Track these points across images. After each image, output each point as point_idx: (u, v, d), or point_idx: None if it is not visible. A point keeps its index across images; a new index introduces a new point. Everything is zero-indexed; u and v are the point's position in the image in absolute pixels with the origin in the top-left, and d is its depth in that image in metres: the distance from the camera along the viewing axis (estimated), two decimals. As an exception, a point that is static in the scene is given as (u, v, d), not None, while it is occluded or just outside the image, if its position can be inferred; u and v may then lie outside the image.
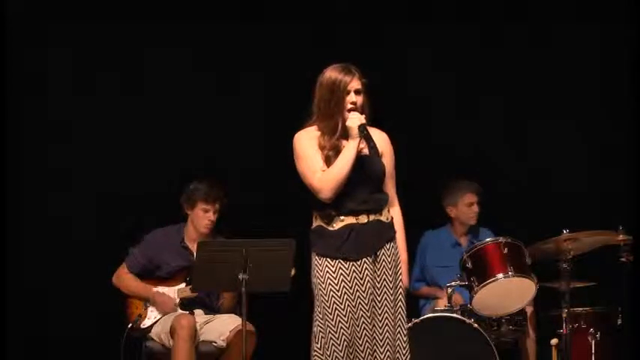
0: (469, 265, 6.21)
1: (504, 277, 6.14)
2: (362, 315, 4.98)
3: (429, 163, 7.10)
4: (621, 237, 6.18)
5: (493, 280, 6.14)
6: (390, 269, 5.03)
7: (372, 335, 5.00)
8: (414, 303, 6.79)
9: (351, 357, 4.97)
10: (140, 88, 7.06)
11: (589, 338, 6.38)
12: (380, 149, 5.05)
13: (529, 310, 6.47)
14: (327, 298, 4.98)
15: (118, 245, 6.43)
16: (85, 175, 6.99)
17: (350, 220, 4.99)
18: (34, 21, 6.92)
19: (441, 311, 6.25)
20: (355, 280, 4.99)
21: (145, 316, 6.23)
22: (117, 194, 6.99)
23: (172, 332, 6.01)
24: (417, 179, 6.51)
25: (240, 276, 5.34)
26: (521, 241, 6.25)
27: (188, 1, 7.12)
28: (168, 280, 6.30)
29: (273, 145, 5.57)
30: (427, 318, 6.13)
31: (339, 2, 7.23)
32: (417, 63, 7.27)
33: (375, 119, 5.09)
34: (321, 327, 4.99)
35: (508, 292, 6.18)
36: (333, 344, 4.97)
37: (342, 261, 5.00)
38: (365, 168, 5.00)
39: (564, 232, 6.13)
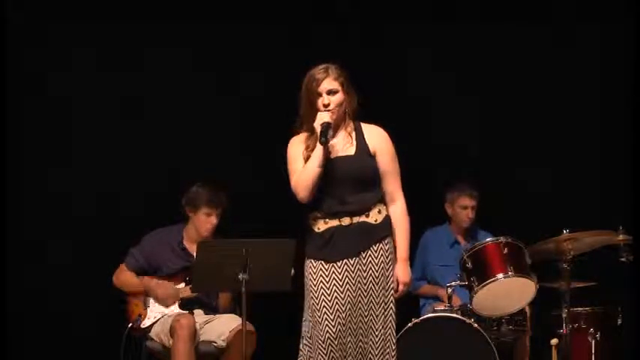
0: (469, 265, 6.21)
1: (504, 277, 6.13)
2: (338, 317, 4.97)
3: (428, 162, 7.10)
4: (621, 237, 6.18)
5: (493, 280, 6.13)
6: (377, 271, 5.03)
7: (356, 340, 4.99)
8: (414, 303, 6.79)
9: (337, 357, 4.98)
10: (140, 88, 7.05)
11: (589, 338, 6.38)
12: (373, 147, 5.08)
13: (529, 310, 6.46)
14: (311, 299, 5.04)
15: (119, 245, 6.43)
16: (85, 175, 6.99)
17: (333, 222, 5.03)
18: (34, 21, 6.92)
19: (441, 311, 6.26)
20: (334, 281, 5.01)
21: (145, 316, 6.23)
22: (118, 194, 6.99)
23: (172, 332, 6.01)
24: (417, 178, 6.50)
25: (240, 276, 5.33)
26: (521, 241, 6.25)
27: (188, 1, 7.12)
28: (168, 280, 6.29)
29: (274, 144, 5.56)
30: (427, 318, 6.13)
31: (339, 2, 7.23)
32: (417, 63, 7.27)
33: (372, 116, 5.10)
34: (308, 328, 5.03)
35: (508, 292, 6.18)
36: (317, 345, 4.98)
37: (323, 262, 5.03)
38: (346, 168, 5.03)
39: (564, 232, 6.13)
